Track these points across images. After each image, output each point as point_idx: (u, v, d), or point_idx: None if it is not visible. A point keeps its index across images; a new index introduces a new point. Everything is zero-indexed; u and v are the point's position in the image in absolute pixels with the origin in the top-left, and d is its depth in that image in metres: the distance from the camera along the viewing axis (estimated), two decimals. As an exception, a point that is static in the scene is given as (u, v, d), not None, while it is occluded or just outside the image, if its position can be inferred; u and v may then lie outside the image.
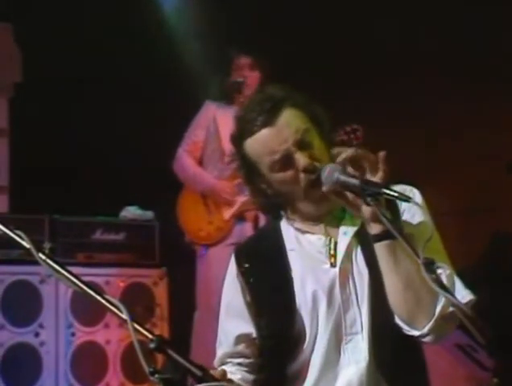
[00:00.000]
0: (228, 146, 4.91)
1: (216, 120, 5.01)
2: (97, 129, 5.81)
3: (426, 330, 2.13)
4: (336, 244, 2.27)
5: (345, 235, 2.27)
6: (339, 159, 2.14)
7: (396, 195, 2.01)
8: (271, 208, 2.41)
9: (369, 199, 2.05)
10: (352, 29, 5.49)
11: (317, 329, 2.23)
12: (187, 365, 1.62)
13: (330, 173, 2.14)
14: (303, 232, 2.32)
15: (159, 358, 1.64)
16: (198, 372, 1.62)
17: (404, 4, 5.31)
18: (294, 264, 2.30)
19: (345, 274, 2.24)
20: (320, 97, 2.33)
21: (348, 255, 2.25)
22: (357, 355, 2.20)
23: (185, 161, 5.08)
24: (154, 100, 5.23)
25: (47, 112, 5.68)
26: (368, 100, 5.34)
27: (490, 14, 5.04)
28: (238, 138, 2.32)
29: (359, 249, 2.26)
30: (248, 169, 2.32)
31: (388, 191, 2.02)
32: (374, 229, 2.13)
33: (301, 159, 2.21)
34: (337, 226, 2.30)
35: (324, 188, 2.17)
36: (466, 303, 2.10)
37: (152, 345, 1.63)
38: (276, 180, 2.26)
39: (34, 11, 5.72)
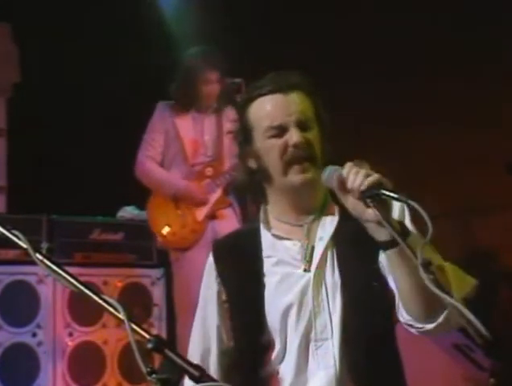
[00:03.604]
0: (190, 149, 4.93)
1: (175, 123, 4.92)
2: (96, 129, 5.81)
3: (436, 324, 2.10)
4: (313, 248, 2.27)
5: (321, 240, 2.27)
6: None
7: (395, 196, 2.00)
8: (251, 188, 2.40)
9: (368, 201, 2.04)
10: (352, 29, 5.50)
11: (286, 334, 2.23)
12: (185, 365, 1.62)
13: (330, 173, 2.14)
14: (280, 238, 2.31)
15: (156, 358, 1.64)
16: (195, 372, 1.62)
17: (405, 4, 5.32)
18: (268, 270, 2.29)
19: (319, 280, 2.23)
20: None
21: (323, 260, 2.25)
22: (326, 360, 2.20)
23: (149, 166, 4.92)
24: (154, 100, 5.22)
25: (45, 113, 5.67)
26: (368, 100, 5.34)
27: (490, 13, 5.04)
28: (244, 102, 2.33)
29: (334, 255, 2.25)
30: (244, 136, 2.32)
31: (387, 192, 2.01)
32: (384, 235, 2.05)
33: (295, 134, 2.23)
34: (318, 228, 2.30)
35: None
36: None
37: (150, 345, 1.62)
38: (265, 146, 2.27)
39: (33, 11, 5.72)
